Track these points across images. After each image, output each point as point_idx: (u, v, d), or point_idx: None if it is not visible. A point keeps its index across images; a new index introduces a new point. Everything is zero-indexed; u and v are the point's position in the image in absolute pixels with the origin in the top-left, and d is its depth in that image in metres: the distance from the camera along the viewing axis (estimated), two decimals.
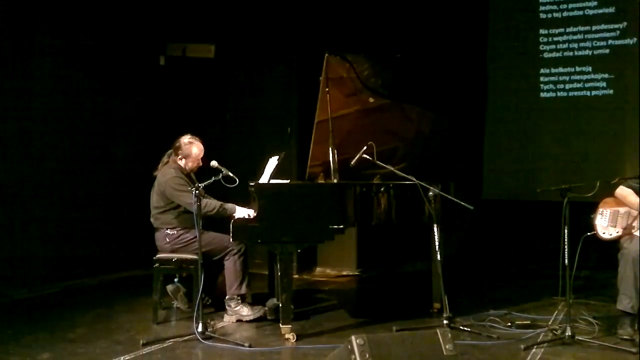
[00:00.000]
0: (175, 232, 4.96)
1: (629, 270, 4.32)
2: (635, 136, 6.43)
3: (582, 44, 7.14)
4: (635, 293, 4.30)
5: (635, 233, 4.45)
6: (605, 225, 4.57)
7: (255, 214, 4.71)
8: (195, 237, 4.66)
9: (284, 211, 4.52)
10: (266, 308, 5.02)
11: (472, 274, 6.88)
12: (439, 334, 3.30)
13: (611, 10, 6.98)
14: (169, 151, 5.17)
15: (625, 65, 6.87)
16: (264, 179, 4.96)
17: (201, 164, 5.11)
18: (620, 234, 4.51)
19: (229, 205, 4.86)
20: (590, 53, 7.11)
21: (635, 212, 4.50)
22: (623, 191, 4.61)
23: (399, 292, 6.40)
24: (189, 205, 4.74)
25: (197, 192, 4.44)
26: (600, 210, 4.62)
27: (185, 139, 5.10)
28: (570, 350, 4.20)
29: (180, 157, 5.07)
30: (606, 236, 4.55)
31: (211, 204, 4.80)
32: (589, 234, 4.49)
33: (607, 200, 4.66)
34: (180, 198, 4.86)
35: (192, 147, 5.08)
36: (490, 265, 7.21)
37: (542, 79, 7.33)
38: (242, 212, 4.82)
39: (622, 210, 4.56)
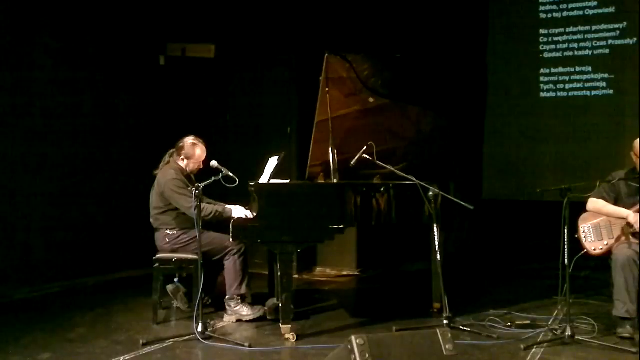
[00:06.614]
0: (175, 232, 4.95)
1: (618, 276, 4.32)
2: (635, 136, 6.42)
3: (582, 44, 7.14)
4: (628, 297, 4.29)
5: (633, 240, 4.40)
6: (592, 240, 4.52)
7: (253, 215, 4.71)
8: (195, 237, 4.66)
9: (284, 211, 4.52)
10: (266, 308, 5.02)
11: (472, 274, 6.88)
12: (439, 334, 3.30)
13: (611, 10, 6.98)
14: (171, 150, 5.16)
15: (625, 65, 6.87)
16: (264, 179, 4.96)
17: (202, 166, 5.10)
18: (609, 244, 4.47)
19: (226, 209, 4.86)
20: (590, 53, 7.10)
21: (615, 220, 4.47)
22: (596, 204, 4.57)
23: (399, 292, 6.40)
24: (187, 209, 4.77)
25: (196, 192, 4.44)
26: (581, 228, 4.56)
27: (190, 140, 5.09)
28: (570, 350, 4.20)
29: (182, 157, 5.06)
30: (597, 252, 4.51)
31: (208, 208, 4.79)
32: (580, 254, 4.44)
33: (584, 216, 4.60)
34: (179, 201, 4.85)
35: (195, 149, 5.06)
36: (490, 265, 7.20)
37: (542, 79, 7.33)
38: (239, 213, 4.83)
39: (602, 222, 4.52)
